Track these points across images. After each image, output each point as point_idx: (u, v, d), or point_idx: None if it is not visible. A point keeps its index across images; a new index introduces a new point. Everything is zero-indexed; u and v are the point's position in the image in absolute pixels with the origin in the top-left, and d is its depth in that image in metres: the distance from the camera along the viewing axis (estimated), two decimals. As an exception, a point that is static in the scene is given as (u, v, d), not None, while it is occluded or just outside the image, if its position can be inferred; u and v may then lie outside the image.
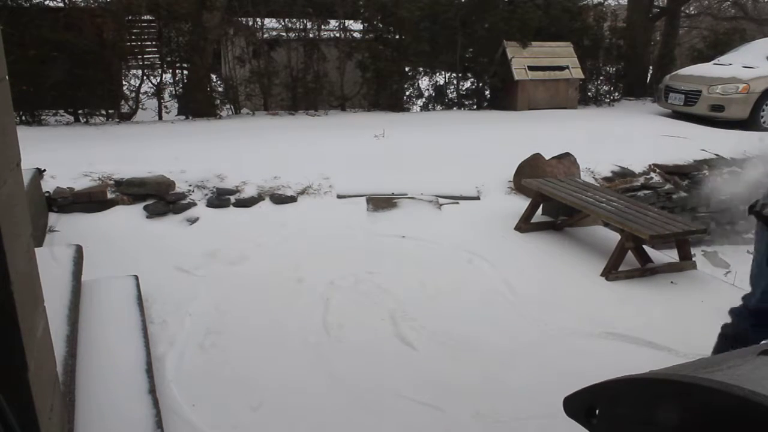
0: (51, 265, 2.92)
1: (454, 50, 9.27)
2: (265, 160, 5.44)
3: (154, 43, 8.04)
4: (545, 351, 3.00)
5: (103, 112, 7.65)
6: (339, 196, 5.05)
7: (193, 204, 4.71)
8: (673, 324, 3.32)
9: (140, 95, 7.85)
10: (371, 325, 3.19)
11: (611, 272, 3.87)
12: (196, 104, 8.05)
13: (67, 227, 4.26)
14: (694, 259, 4.21)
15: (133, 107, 7.83)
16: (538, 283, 3.77)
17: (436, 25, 9.07)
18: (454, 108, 9.64)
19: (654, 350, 3.03)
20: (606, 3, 10.88)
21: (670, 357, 2.93)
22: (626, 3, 12.11)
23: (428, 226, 4.64)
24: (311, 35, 8.54)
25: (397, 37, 8.88)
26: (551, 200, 4.57)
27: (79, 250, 3.20)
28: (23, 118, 7.07)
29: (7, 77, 1.36)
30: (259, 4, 8.31)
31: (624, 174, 5.85)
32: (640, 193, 5.71)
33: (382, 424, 2.44)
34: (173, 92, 8.10)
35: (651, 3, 12.03)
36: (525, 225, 4.66)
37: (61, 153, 5.18)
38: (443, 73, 9.75)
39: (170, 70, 8.06)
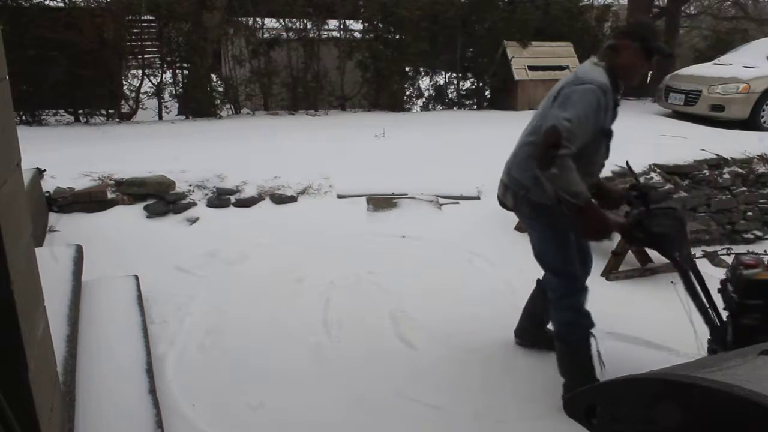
0: (51, 265, 2.91)
1: (454, 50, 9.27)
2: (265, 159, 5.44)
3: (154, 42, 8.04)
4: (545, 351, 2.99)
5: (103, 112, 7.65)
6: (339, 196, 5.04)
7: (193, 204, 4.71)
8: (673, 324, 3.30)
9: (140, 95, 7.85)
10: (371, 325, 3.19)
11: (611, 272, 3.87)
12: (196, 104, 8.05)
13: (67, 227, 4.26)
14: (694, 259, 4.19)
15: (133, 107, 7.83)
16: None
17: (436, 25, 9.06)
18: (454, 108, 9.63)
19: (654, 350, 3.03)
20: (611, 4, 10.87)
21: (670, 357, 2.93)
22: (626, 3, 12.11)
23: (428, 225, 4.63)
24: (311, 35, 8.54)
25: (397, 37, 8.87)
26: (551, 200, 4.56)
27: (79, 250, 3.20)
28: (23, 118, 7.07)
29: (7, 77, 1.36)
30: (259, 4, 8.31)
31: (624, 174, 5.84)
32: (640, 193, 5.70)
33: (381, 424, 2.44)
34: (173, 92, 8.10)
35: (651, 3, 12.03)
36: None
37: (61, 153, 5.18)
38: (443, 73, 9.74)
39: (170, 70, 8.06)
